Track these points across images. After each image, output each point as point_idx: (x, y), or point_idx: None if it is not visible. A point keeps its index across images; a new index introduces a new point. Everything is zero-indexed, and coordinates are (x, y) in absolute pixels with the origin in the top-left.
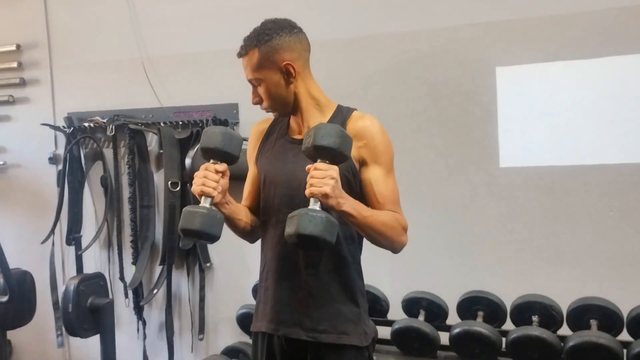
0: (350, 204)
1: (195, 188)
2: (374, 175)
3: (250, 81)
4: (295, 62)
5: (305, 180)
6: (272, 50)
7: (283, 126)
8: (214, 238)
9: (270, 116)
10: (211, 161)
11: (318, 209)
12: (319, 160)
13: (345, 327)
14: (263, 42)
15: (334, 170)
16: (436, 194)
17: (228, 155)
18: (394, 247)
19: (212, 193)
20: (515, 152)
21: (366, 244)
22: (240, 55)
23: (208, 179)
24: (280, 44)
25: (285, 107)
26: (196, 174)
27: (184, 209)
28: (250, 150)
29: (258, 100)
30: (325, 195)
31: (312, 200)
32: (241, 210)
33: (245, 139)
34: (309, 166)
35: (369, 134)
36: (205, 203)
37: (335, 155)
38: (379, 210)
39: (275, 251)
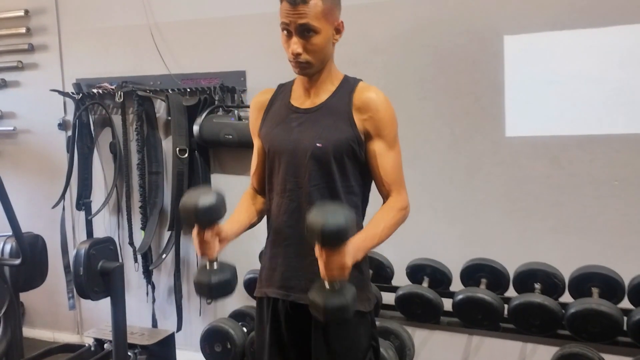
0: (362, 250)
1: (197, 251)
2: (378, 149)
3: (303, 28)
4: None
5: (310, 148)
6: (333, 5)
7: (286, 95)
8: (232, 291)
9: (271, 83)
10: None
11: (336, 288)
12: (324, 249)
13: None
14: None
15: (346, 257)
16: (442, 163)
17: (211, 221)
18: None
19: (213, 256)
20: (521, 121)
21: (369, 212)
22: (297, 2)
23: (205, 245)
24: (336, 1)
25: (321, 66)
26: (193, 237)
27: (194, 279)
28: (253, 122)
29: (301, 51)
30: (346, 276)
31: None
32: (244, 221)
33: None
34: (317, 253)
35: (374, 106)
36: (210, 263)
37: (342, 244)
38: (382, 187)
39: (281, 220)
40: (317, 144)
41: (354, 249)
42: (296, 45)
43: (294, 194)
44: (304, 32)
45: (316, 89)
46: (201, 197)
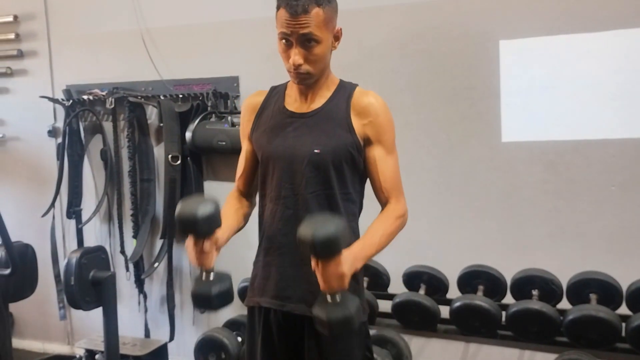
0: (360, 259)
1: (193, 262)
2: (378, 155)
3: (305, 38)
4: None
5: (307, 155)
6: (333, 13)
7: (279, 98)
8: (232, 299)
9: (265, 89)
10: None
11: (337, 300)
12: (318, 260)
13: None
14: (326, 2)
15: (343, 266)
16: (438, 168)
17: (211, 230)
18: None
19: (211, 266)
20: (517, 126)
21: (366, 220)
22: (298, 12)
23: (202, 256)
24: (335, 9)
25: (321, 74)
26: (187, 248)
27: (193, 291)
28: (244, 124)
29: (302, 62)
30: (345, 286)
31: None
32: (232, 226)
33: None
34: (314, 266)
35: (374, 111)
36: (207, 274)
37: (335, 253)
38: (380, 193)
39: (276, 227)
40: (315, 150)
41: (351, 258)
42: (297, 56)
43: (289, 200)
44: (306, 42)
45: (313, 94)
46: (200, 206)
